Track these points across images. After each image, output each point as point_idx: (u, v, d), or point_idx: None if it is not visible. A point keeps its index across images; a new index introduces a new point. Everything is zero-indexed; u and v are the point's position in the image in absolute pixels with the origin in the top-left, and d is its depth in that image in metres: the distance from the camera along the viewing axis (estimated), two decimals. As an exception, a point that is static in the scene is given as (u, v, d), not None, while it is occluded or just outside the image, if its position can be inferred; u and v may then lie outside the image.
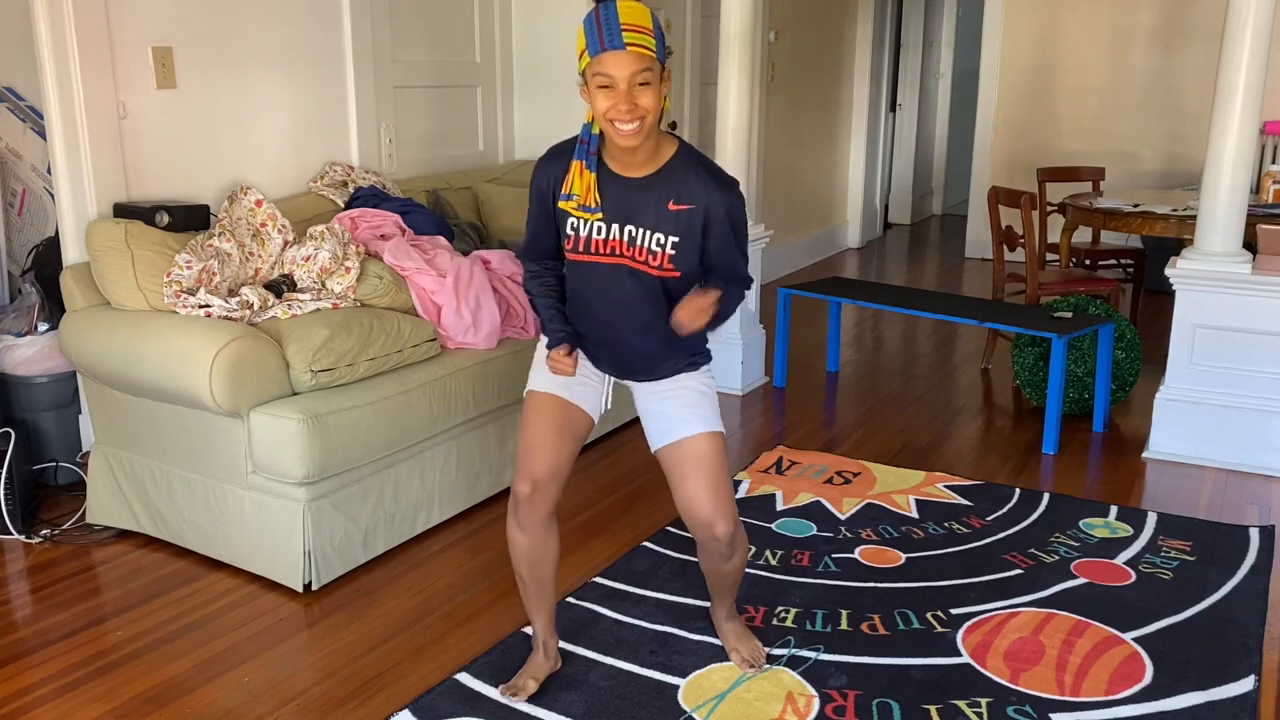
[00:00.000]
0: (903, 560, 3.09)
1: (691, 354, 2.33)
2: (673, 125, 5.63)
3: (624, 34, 1.97)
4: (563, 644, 2.60)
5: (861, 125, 8.19)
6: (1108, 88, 7.35)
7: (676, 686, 2.46)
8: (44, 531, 3.26)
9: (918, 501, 3.51)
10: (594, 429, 2.53)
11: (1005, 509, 3.44)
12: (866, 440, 4.11)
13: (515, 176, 4.76)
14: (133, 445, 3.16)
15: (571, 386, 2.32)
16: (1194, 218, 4.21)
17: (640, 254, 2.17)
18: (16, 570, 3.06)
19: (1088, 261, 5.61)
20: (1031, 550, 3.15)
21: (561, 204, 2.18)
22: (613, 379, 2.39)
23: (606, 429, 4.03)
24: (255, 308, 3.05)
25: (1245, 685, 2.47)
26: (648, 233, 2.15)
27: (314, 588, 2.93)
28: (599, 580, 2.95)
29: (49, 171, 3.48)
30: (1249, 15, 3.50)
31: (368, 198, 3.84)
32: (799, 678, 2.50)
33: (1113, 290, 4.67)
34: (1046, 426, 3.97)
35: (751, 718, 2.34)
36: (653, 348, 2.28)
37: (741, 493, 3.57)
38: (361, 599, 2.90)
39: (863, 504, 3.48)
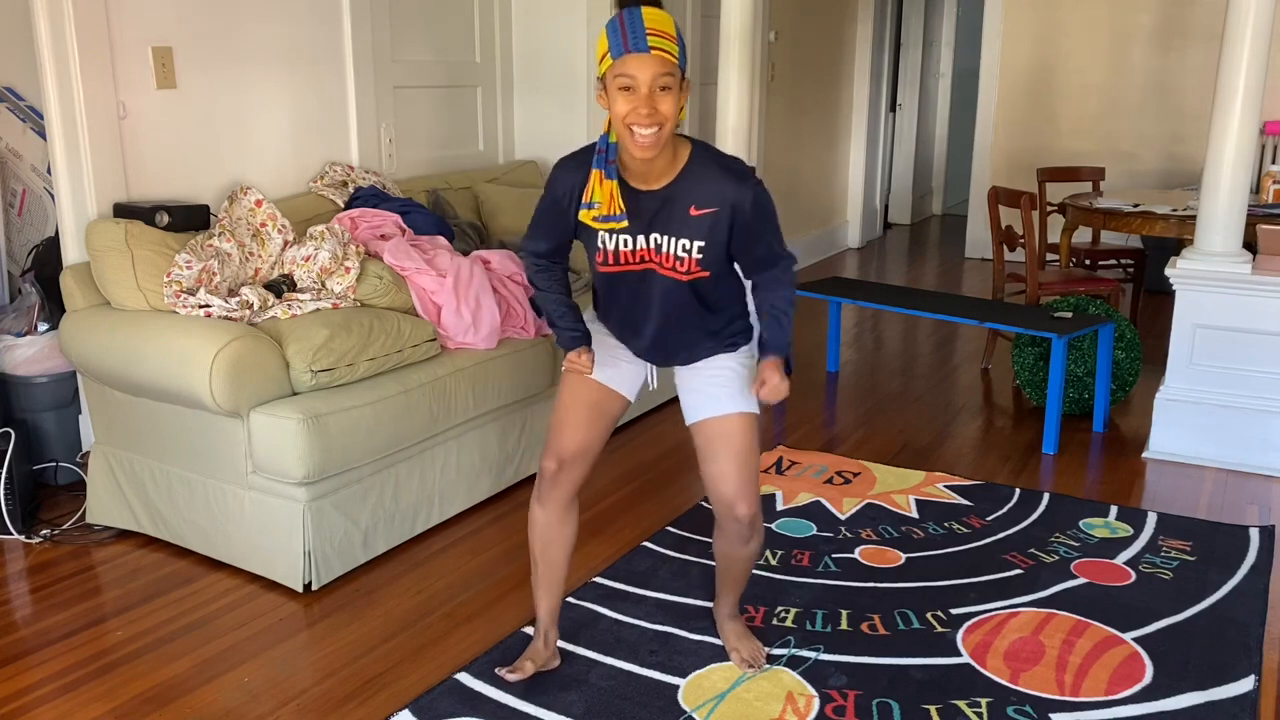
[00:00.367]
0: (903, 560, 3.09)
1: (731, 336, 2.34)
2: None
3: (649, 37, 1.97)
4: (562, 644, 2.60)
5: (861, 125, 8.19)
6: (1108, 88, 7.35)
7: (676, 686, 2.46)
8: (44, 531, 3.26)
9: (918, 501, 3.51)
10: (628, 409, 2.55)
11: (1005, 509, 3.44)
12: (866, 440, 4.11)
13: (515, 176, 4.76)
14: (133, 445, 3.16)
15: (608, 367, 2.34)
16: (1194, 218, 4.22)
17: (668, 260, 2.18)
18: (16, 570, 3.06)
19: (1088, 261, 5.61)
20: (1031, 550, 3.15)
21: (582, 215, 2.15)
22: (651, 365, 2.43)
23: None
24: (255, 308, 3.05)
25: (1245, 685, 2.47)
26: (673, 240, 2.15)
27: (314, 588, 2.93)
28: (599, 580, 2.95)
29: (49, 171, 3.48)
30: (1249, 15, 3.50)
31: (368, 198, 3.84)
32: (799, 678, 2.50)
33: (1113, 290, 4.67)
34: (1046, 426, 3.97)
35: (751, 718, 2.35)
36: (690, 339, 2.31)
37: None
38: (361, 599, 2.90)
39: (863, 504, 3.48)
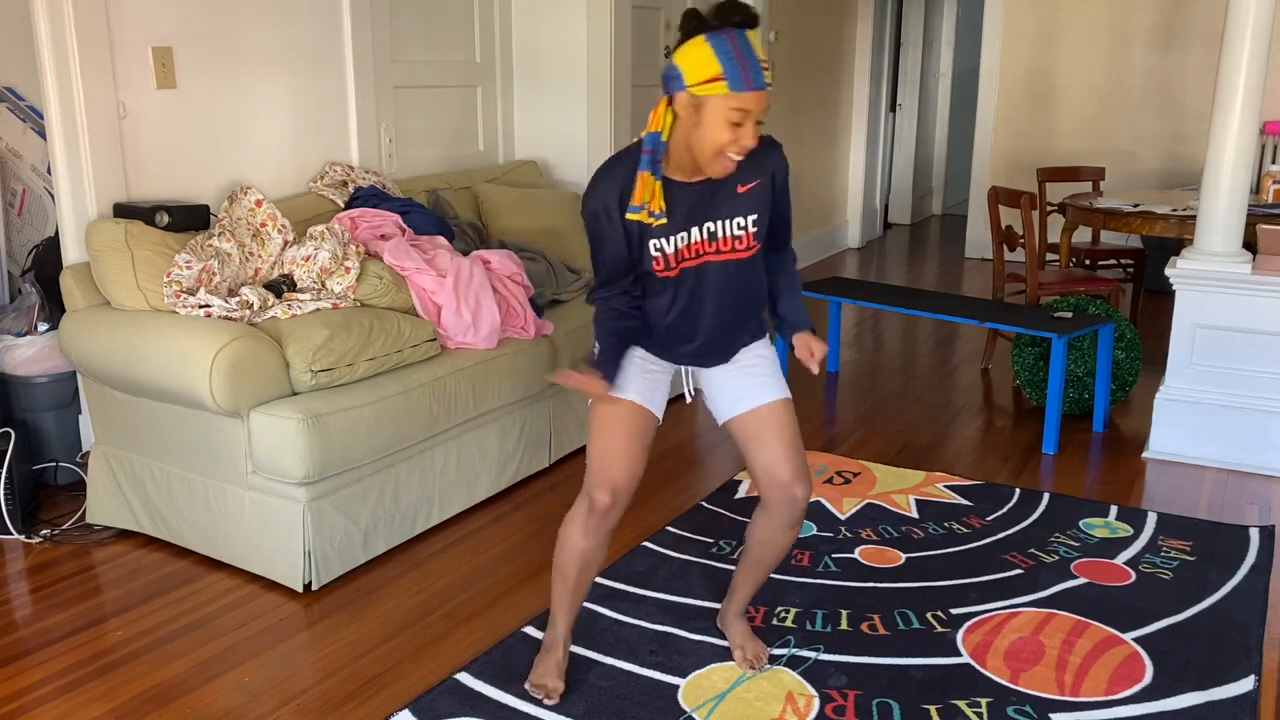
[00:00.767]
0: (903, 560, 3.09)
1: (759, 324, 2.37)
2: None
3: (764, 73, 1.98)
4: (563, 644, 2.60)
5: (861, 125, 8.19)
6: (1108, 88, 7.35)
7: (676, 686, 2.46)
8: (44, 531, 3.26)
9: (918, 501, 3.51)
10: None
11: (1005, 509, 3.44)
12: (866, 440, 4.11)
13: (515, 176, 4.76)
14: (133, 445, 3.16)
15: (644, 390, 2.30)
16: (1194, 218, 4.22)
17: (725, 244, 2.19)
18: (16, 570, 3.06)
19: (1088, 261, 5.61)
20: (1031, 550, 3.15)
21: (630, 216, 2.11)
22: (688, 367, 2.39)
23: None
24: (255, 308, 3.05)
25: (1245, 685, 2.47)
26: (725, 223, 2.17)
27: (314, 588, 2.93)
28: (599, 580, 2.95)
29: (49, 171, 3.48)
30: (1249, 15, 3.50)
31: (368, 198, 3.84)
32: (799, 678, 2.50)
33: (1113, 290, 4.67)
34: (1046, 426, 3.97)
35: (751, 718, 2.35)
36: (737, 330, 2.31)
37: (742, 492, 3.57)
38: (361, 599, 2.90)
39: (863, 504, 3.48)
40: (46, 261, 3.56)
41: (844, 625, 2.73)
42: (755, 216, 2.18)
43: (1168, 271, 3.79)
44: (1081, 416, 4.29)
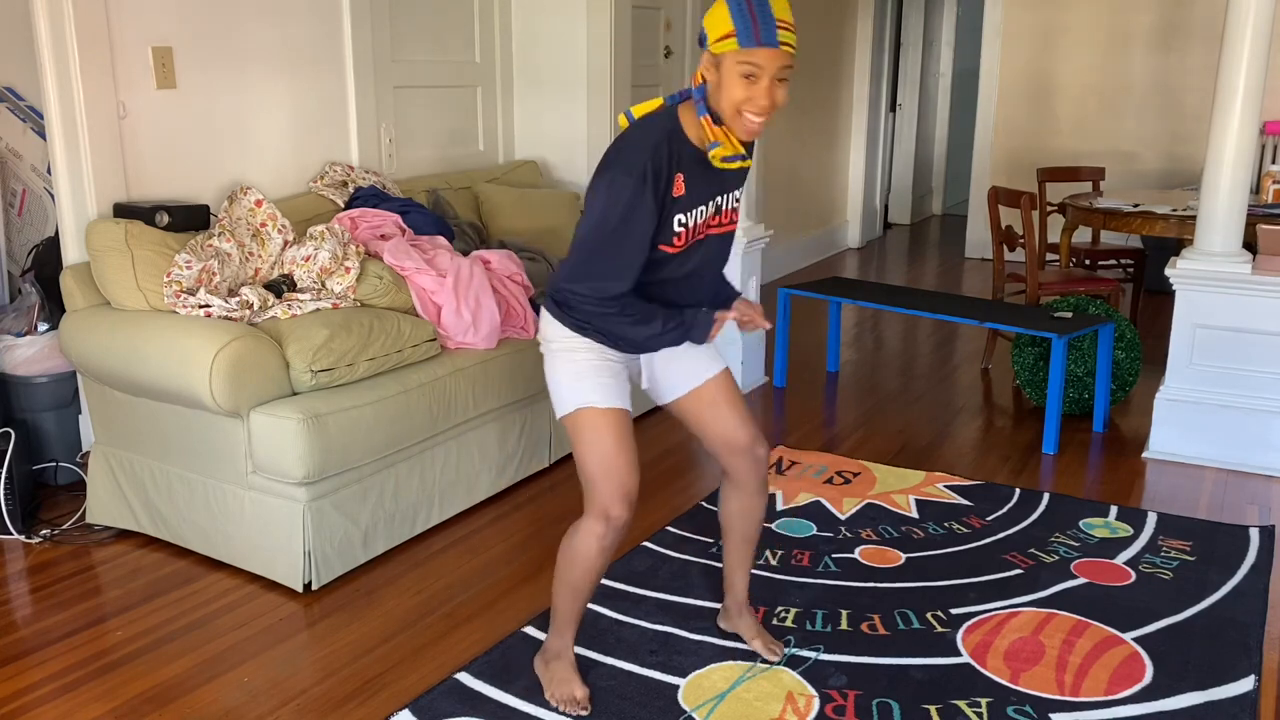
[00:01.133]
0: (903, 560, 3.09)
1: None
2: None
3: (779, 31, 1.96)
4: (563, 644, 2.60)
5: (861, 125, 8.19)
6: (1108, 88, 7.35)
7: (676, 686, 2.46)
8: (44, 531, 3.26)
9: (918, 501, 3.50)
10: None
11: (1005, 509, 3.44)
12: (866, 440, 4.11)
13: (515, 176, 4.76)
14: (133, 445, 3.16)
15: (623, 393, 2.29)
16: (1194, 218, 4.22)
17: (726, 217, 2.24)
18: (16, 570, 3.06)
19: (1088, 261, 5.61)
20: (1031, 550, 3.15)
21: (713, 153, 2.05)
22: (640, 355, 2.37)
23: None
24: (255, 308, 3.05)
25: (1245, 685, 2.47)
26: (728, 196, 2.23)
27: (314, 588, 2.93)
28: (599, 580, 2.95)
29: (49, 171, 3.48)
30: (1249, 15, 3.50)
31: (368, 198, 3.84)
32: (799, 678, 2.50)
33: (1113, 290, 4.67)
34: (1046, 426, 3.97)
35: (751, 718, 2.34)
36: (709, 304, 2.33)
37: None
38: (361, 599, 2.90)
39: (863, 504, 3.48)
40: (46, 261, 3.56)
41: (844, 625, 2.73)
42: (740, 192, 2.27)
43: (1168, 271, 3.79)
44: (1081, 416, 4.29)
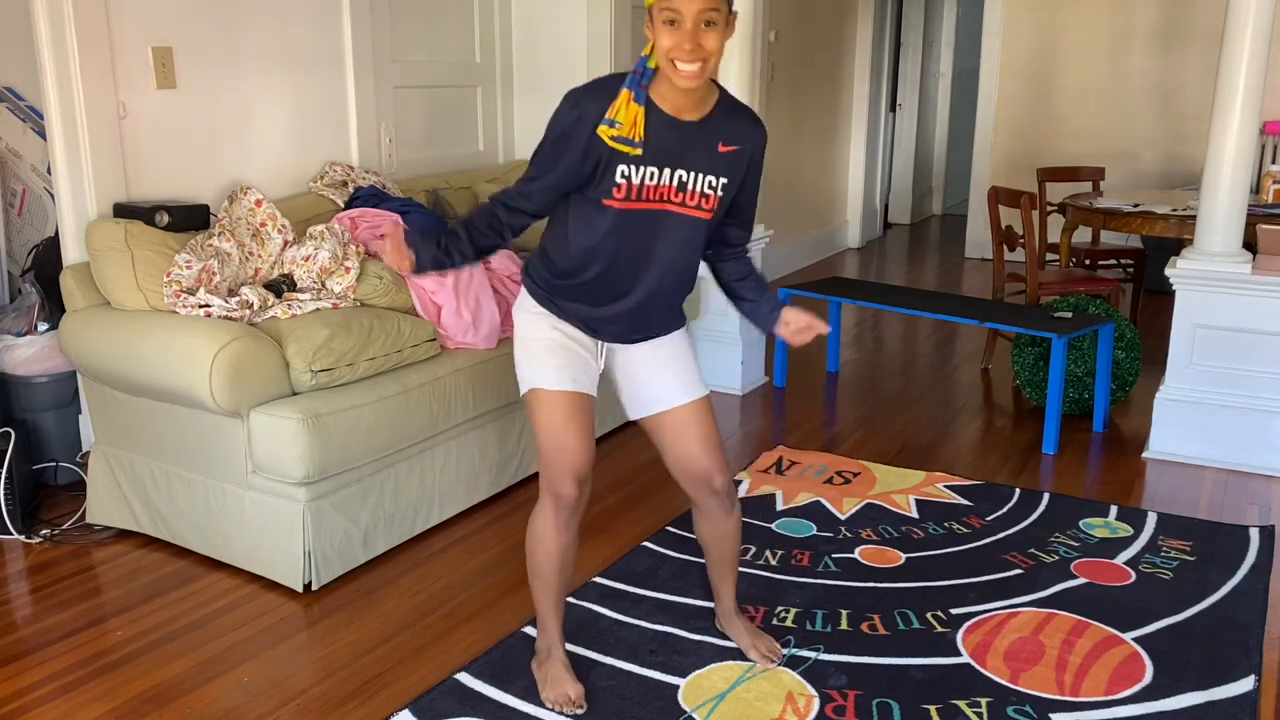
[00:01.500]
0: (903, 560, 3.09)
1: (680, 312, 2.36)
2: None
3: None
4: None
5: (861, 125, 8.19)
6: (1108, 88, 7.35)
7: (676, 686, 2.46)
8: (44, 531, 3.26)
9: (918, 501, 3.51)
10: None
11: (1005, 509, 3.44)
12: (866, 440, 4.11)
13: (515, 176, 4.74)
14: (133, 445, 3.16)
15: (581, 373, 2.27)
16: (1194, 218, 4.21)
17: (692, 198, 2.14)
18: (16, 570, 3.06)
19: (1088, 261, 5.61)
20: (1031, 550, 3.15)
21: (600, 129, 2.05)
22: (605, 344, 2.34)
23: (606, 429, 4.02)
24: (255, 308, 3.05)
25: (1245, 685, 2.47)
26: (700, 175, 2.13)
27: (314, 588, 2.93)
28: (599, 580, 2.95)
29: (49, 171, 3.48)
30: (1249, 15, 3.50)
31: (367, 198, 3.84)
32: (799, 678, 2.50)
33: (1113, 290, 4.67)
34: (1046, 426, 3.97)
35: (751, 718, 2.34)
36: (668, 305, 2.29)
37: (742, 492, 3.57)
38: (361, 599, 2.90)
39: (863, 504, 3.48)
40: (46, 261, 3.56)
41: (844, 625, 2.73)
42: (726, 181, 2.16)
43: (1168, 271, 3.79)
44: (1081, 416, 4.29)
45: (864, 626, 2.72)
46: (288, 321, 3.04)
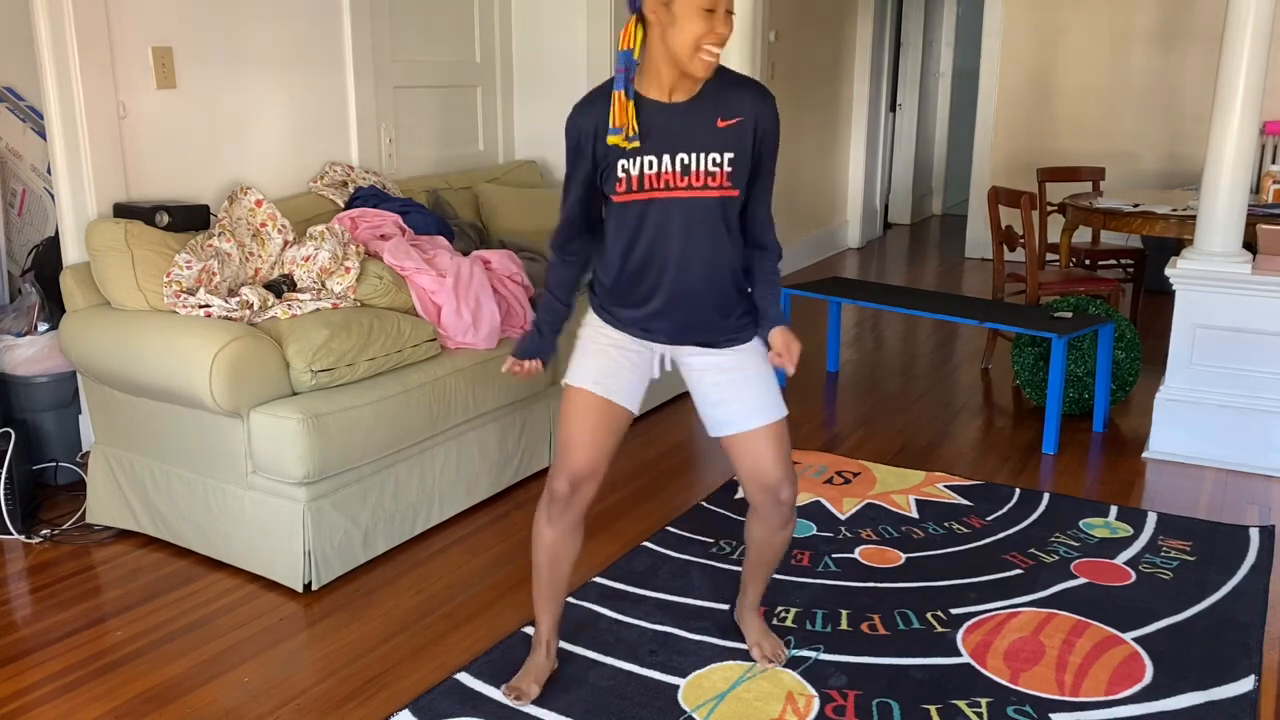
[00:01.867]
0: (903, 560, 3.09)
1: (742, 317, 2.28)
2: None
3: None
4: (563, 644, 2.60)
5: (861, 125, 8.19)
6: (1108, 88, 7.35)
7: (676, 686, 2.46)
8: (44, 531, 3.26)
9: (918, 501, 3.51)
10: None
11: (1005, 509, 3.44)
12: (866, 440, 4.11)
13: (515, 176, 4.76)
14: (133, 445, 3.16)
15: (611, 379, 2.27)
16: (1194, 218, 4.22)
17: (698, 179, 2.13)
18: (16, 570, 3.06)
19: (1088, 261, 5.61)
20: (1031, 550, 3.15)
21: (610, 139, 2.08)
22: (664, 351, 2.32)
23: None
24: (255, 308, 3.05)
25: (1245, 685, 2.47)
26: (700, 155, 2.12)
27: (314, 588, 2.93)
28: (599, 580, 2.95)
29: (49, 171, 3.48)
30: (1249, 15, 3.50)
31: (368, 198, 3.84)
32: (799, 678, 2.50)
33: (1113, 290, 4.68)
34: (1046, 426, 3.97)
35: (751, 718, 2.35)
36: (714, 291, 2.22)
37: (742, 492, 3.57)
38: (361, 599, 2.90)
39: (863, 504, 3.48)
40: (46, 261, 3.56)
41: (844, 625, 2.73)
42: (732, 155, 2.13)
43: (1168, 271, 3.79)
44: (1081, 416, 4.29)
45: (864, 626, 2.72)
46: (288, 322, 3.04)
